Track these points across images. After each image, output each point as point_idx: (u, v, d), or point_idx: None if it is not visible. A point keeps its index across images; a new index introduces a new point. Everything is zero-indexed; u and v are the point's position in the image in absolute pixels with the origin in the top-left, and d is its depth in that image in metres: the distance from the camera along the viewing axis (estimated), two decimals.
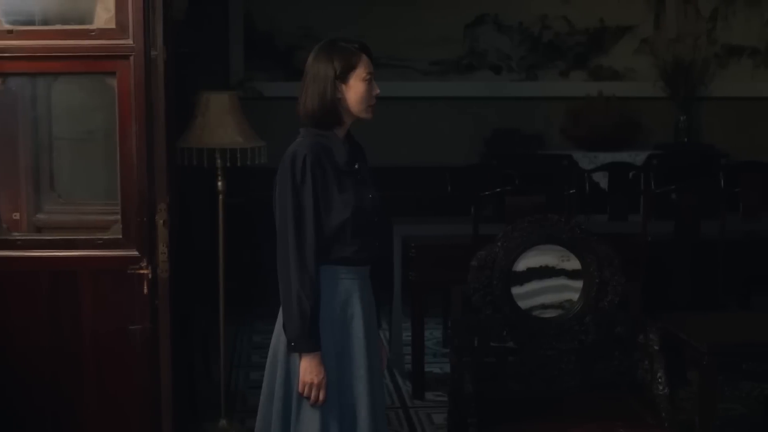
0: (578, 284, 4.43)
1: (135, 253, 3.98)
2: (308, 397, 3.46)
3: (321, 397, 3.46)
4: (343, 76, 3.51)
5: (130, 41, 3.94)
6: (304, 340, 3.44)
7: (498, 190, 6.06)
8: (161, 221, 4.03)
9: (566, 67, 9.45)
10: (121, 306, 3.99)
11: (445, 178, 7.19)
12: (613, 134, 9.06)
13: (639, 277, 5.80)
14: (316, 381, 3.45)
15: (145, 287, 3.95)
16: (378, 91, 3.59)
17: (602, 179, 8.09)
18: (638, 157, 8.55)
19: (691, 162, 8.68)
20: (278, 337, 3.59)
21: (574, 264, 4.43)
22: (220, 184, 5.42)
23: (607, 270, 4.41)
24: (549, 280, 4.43)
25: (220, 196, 5.44)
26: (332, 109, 3.52)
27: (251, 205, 8.26)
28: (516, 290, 4.42)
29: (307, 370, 3.45)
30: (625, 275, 4.46)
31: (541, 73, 9.43)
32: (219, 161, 5.33)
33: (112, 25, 3.96)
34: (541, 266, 4.43)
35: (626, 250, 5.03)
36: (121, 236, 4.01)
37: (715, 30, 9.58)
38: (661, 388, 4.15)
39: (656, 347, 4.24)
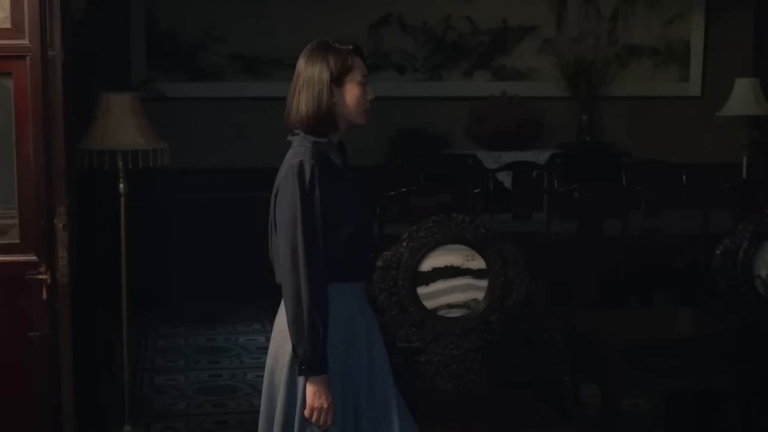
0: (483, 283, 4.44)
1: (33, 258, 3.88)
2: (314, 423, 3.28)
3: (329, 421, 3.28)
4: (338, 80, 3.35)
5: (26, 41, 3.84)
6: (315, 363, 3.25)
7: (403, 190, 6.05)
8: (60, 225, 3.95)
9: (470, 67, 9.50)
10: (19, 312, 3.89)
11: None
12: (516, 134, 9.14)
13: (543, 276, 5.85)
14: (325, 405, 3.27)
15: (44, 293, 3.86)
16: (373, 95, 3.43)
17: (506, 178, 8.15)
18: (541, 156, 8.63)
19: (593, 161, 8.78)
20: (276, 359, 3.40)
21: (479, 263, 4.45)
22: (122, 186, 5.34)
23: (512, 269, 4.44)
24: (454, 279, 4.45)
25: (123, 199, 5.37)
26: (328, 115, 3.35)
27: (154, 208, 8.17)
28: (422, 290, 4.42)
29: (316, 394, 3.26)
30: (529, 274, 4.49)
31: (445, 73, 9.47)
32: (121, 163, 5.25)
33: (8, 25, 3.85)
34: (446, 266, 4.44)
35: (530, 249, 5.06)
36: (18, 241, 3.91)
37: (616, 30, 9.70)
38: (565, 385, 4.17)
39: (561, 345, 4.28)
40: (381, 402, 3.43)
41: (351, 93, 3.37)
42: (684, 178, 7.26)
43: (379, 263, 4.38)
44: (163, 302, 8.18)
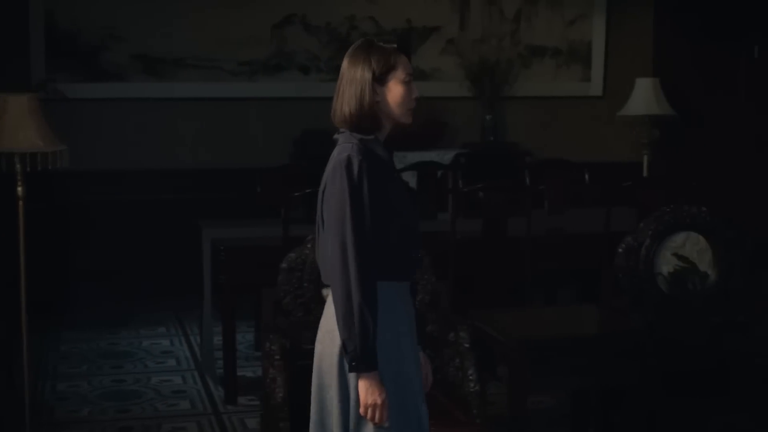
0: None
1: None
2: (369, 419, 3.22)
3: (384, 417, 3.22)
4: (381, 78, 3.30)
5: None
6: (366, 359, 3.19)
7: (308, 191, 6.02)
8: None
9: None
10: None
11: (254, 179, 7.11)
12: (421, 134, 9.12)
13: (449, 276, 5.87)
14: (379, 401, 3.20)
15: None
16: (417, 93, 3.38)
17: (411, 178, 8.14)
18: (446, 156, 8.64)
19: (497, 160, 8.84)
20: (323, 359, 3.35)
21: None
22: (19, 189, 5.23)
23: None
24: None
25: (20, 202, 5.25)
26: (371, 113, 3.30)
27: (54, 211, 8.02)
28: (327, 291, 4.37)
29: (369, 390, 3.20)
30: (434, 274, 4.49)
31: None
32: (18, 166, 5.13)
33: None
34: None
35: (435, 249, 5.07)
36: None
37: (519, 31, 9.77)
38: (472, 385, 4.19)
39: (466, 345, 4.29)
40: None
41: (394, 91, 3.33)
42: (587, 176, 7.33)
43: (284, 265, 4.35)
44: (65, 307, 8.04)
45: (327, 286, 3.34)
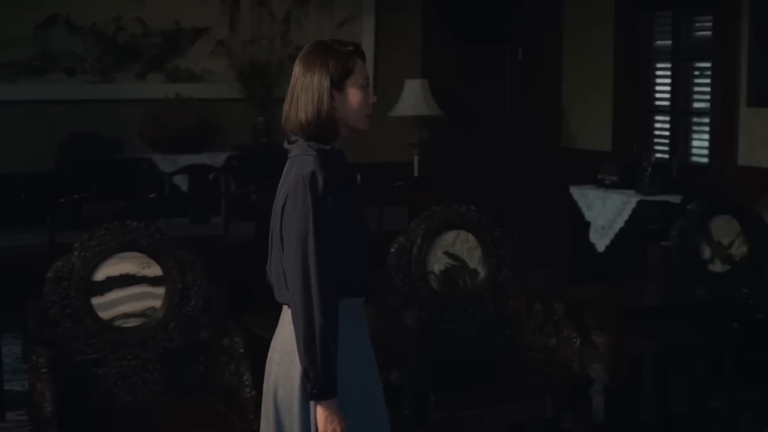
0: (161, 291, 4.34)
1: None
2: None
3: None
4: (339, 83, 3.14)
5: None
6: (327, 386, 3.06)
7: (75, 196, 5.85)
8: None
9: (143, 69, 9.30)
10: None
11: (18, 185, 6.87)
12: (192, 136, 9.01)
13: (223, 280, 5.81)
14: (339, 429, 3.09)
15: None
16: (375, 98, 3.24)
17: (183, 182, 8.06)
18: (218, 159, 8.58)
19: (270, 162, 8.78)
20: (281, 382, 3.20)
21: (155, 270, 4.34)
22: None
23: (190, 274, 4.36)
24: (130, 288, 4.31)
25: None
26: (328, 121, 3.14)
27: None
28: (96, 301, 4.26)
29: (329, 418, 3.08)
30: (208, 279, 4.43)
31: (117, 76, 9.21)
32: None
33: None
34: (121, 274, 4.30)
35: (208, 253, 5.01)
36: None
37: (289, 32, 9.76)
38: (248, 390, 4.14)
39: (241, 350, 4.24)
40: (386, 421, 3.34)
41: (353, 97, 3.18)
42: (359, 177, 7.39)
43: (50, 274, 4.20)
44: None
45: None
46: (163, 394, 4.34)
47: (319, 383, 3.07)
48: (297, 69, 3.19)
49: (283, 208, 3.16)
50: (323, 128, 3.16)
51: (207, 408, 4.28)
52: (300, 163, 3.14)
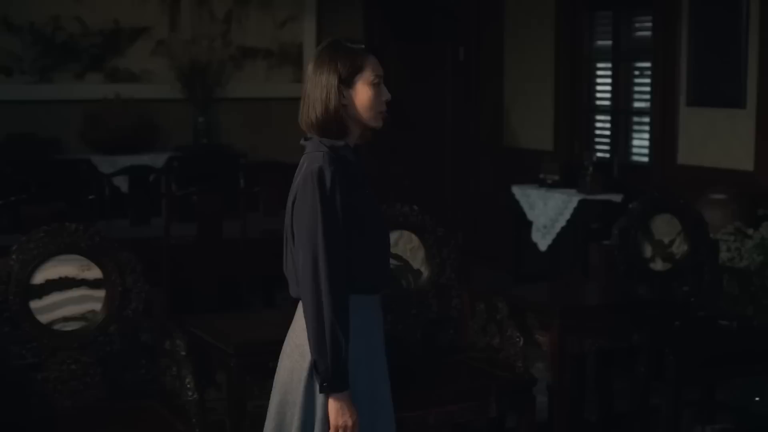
0: (101, 294, 4.28)
1: None
2: None
3: None
4: (348, 81, 3.19)
5: None
6: (338, 379, 3.09)
7: (13, 198, 5.76)
8: None
9: (82, 69, 9.20)
10: None
11: None
12: (132, 137, 8.94)
13: (164, 282, 5.76)
14: (350, 422, 3.11)
15: None
16: (388, 96, 3.27)
17: (123, 183, 7.97)
18: (158, 160, 8.51)
19: (211, 163, 8.76)
20: (291, 375, 3.22)
21: (95, 273, 4.28)
22: None
23: (130, 277, 4.31)
24: (70, 291, 4.25)
25: None
26: (337, 118, 3.18)
27: None
28: (35, 304, 4.19)
29: (340, 411, 3.10)
30: (148, 281, 4.38)
31: (56, 76, 9.11)
32: None
33: None
34: (60, 277, 4.23)
35: (149, 255, 4.97)
36: None
37: (230, 32, 9.71)
38: (190, 393, 4.10)
39: (183, 353, 4.19)
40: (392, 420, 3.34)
41: (362, 94, 3.22)
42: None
43: None
44: None
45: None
46: (104, 398, 4.27)
47: (328, 376, 3.10)
48: (309, 68, 3.26)
49: (293, 204, 3.21)
50: (332, 125, 3.20)
51: (148, 412, 4.23)
52: (310, 159, 3.19)
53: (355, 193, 3.19)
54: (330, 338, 3.09)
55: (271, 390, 3.36)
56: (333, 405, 3.13)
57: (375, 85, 3.25)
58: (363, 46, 3.27)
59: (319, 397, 3.17)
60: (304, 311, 3.17)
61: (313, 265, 3.11)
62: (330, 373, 3.10)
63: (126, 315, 4.30)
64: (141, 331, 4.34)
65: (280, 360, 3.34)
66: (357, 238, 3.17)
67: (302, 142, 3.29)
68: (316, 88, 3.21)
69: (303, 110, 3.25)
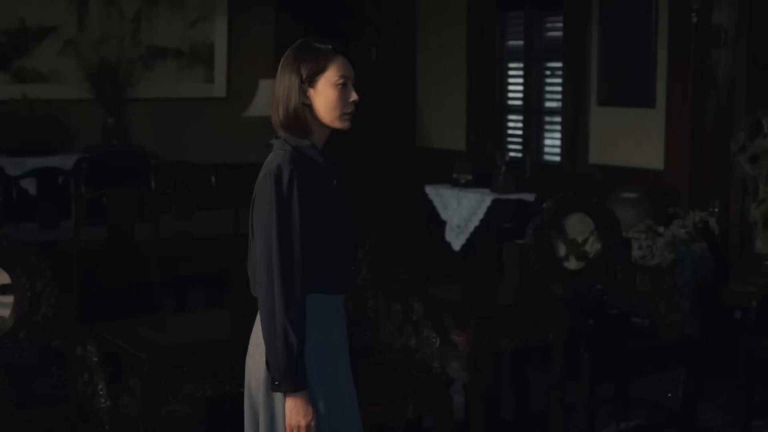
0: (9, 299, 4.21)
1: None
2: None
3: None
4: (310, 81, 3.18)
5: None
6: (290, 379, 3.08)
7: None
8: None
9: None
10: None
11: None
12: (40, 138, 8.76)
13: (74, 287, 5.66)
14: (303, 423, 3.11)
15: None
16: (356, 97, 3.23)
17: (31, 185, 7.82)
18: (67, 161, 8.36)
19: (122, 164, 8.64)
20: (251, 375, 3.24)
21: (3, 278, 4.21)
22: None
23: (39, 282, 4.23)
24: None
25: None
26: (297, 118, 3.19)
27: None
28: None
29: (294, 411, 3.11)
30: (58, 286, 4.30)
31: None
32: None
33: None
34: None
35: (59, 259, 4.89)
36: None
37: (140, 32, 9.58)
38: (102, 400, 4.03)
39: (95, 359, 4.12)
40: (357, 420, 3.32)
41: (324, 94, 3.21)
42: (213, 179, 7.29)
43: None
44: None
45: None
46: (14, 405, 4.20)
47: (280, 374, 3.11)
48: (279, 68, 3.27)
49: (253, 201, 3.22)
50: (293, 125, 3.22)
51: (60, 419, 4.15)
52: (272, 158, 3.21)
53: (318, 193, 3.19)
54: (282, 339, 3.09)
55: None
56: (287, 405, 3.14)
57: (339, 86, 3.23)
58: (330, 46, 3.25)
59: (281, 395, 3.18)
60: (260, 310, 3.18)
61: (267, 264, 3.12)
62: (281, 372, 3.10)
63: (35, 321, 4.23)
64: (51, 336, 4.27)
65: (246, 361, 3.34)
66: (320, 237, 3.17)
67: (270, 141, 3.30)
68: (280, 87, 3.24)
69: (273, 110, 3.28)
